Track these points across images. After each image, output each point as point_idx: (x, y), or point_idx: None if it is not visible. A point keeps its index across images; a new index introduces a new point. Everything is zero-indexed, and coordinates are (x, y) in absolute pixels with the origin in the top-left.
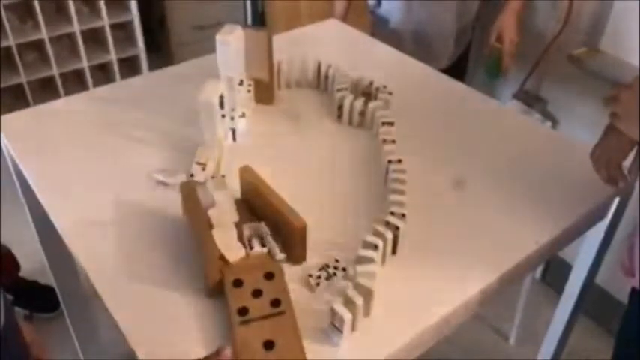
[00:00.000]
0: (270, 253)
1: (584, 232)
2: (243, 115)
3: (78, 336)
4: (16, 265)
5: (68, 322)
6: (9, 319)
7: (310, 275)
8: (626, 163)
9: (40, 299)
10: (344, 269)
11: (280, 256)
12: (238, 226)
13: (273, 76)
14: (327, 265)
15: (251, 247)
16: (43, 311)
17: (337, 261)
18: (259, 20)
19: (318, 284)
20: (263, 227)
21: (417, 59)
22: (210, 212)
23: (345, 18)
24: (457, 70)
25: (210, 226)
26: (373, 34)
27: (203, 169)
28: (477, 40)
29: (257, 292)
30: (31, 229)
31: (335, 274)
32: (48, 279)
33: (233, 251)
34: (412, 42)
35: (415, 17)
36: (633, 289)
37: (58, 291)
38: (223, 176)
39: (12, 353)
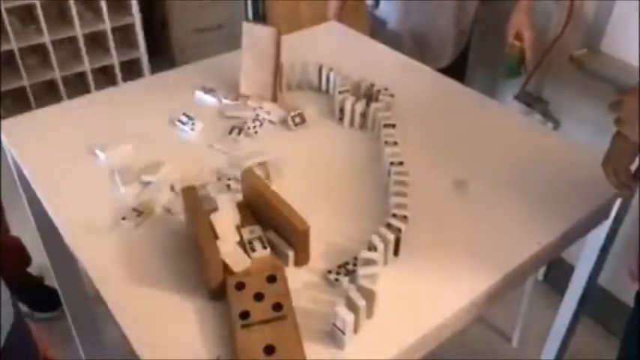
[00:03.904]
0: (276, 252)
1: (587, 233)
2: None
3: (80, 337)
4: (25, 259)
5: (70, 323)
6: (17, 317)
7: (330, 271)
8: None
9: (40, 298)
10: (353, 271)
11: (290, 254)
12: (240, 229)
13: (277, 75)
14: (347, 263)
15: (253, 250)
16: (42, 310)
17: (355, 259)
18: (261, 22)
19: (337, 280)
20: (266, 231)
21: (416, 59)
22: (212, 216)
23: (338, 18)
24: (456, 69)
25: (213, 230)
26: (372, 36)
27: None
28: (476, 40)
29: (259, 296)
30: (33, 231)
31: (354, 270)
32: (49, 280)
33: (238, 262)
34: (411, 42)
35: (413, 18)
36: (639, 292)
37: (60, 291)
38: (229, 179)
39: (22, 349)
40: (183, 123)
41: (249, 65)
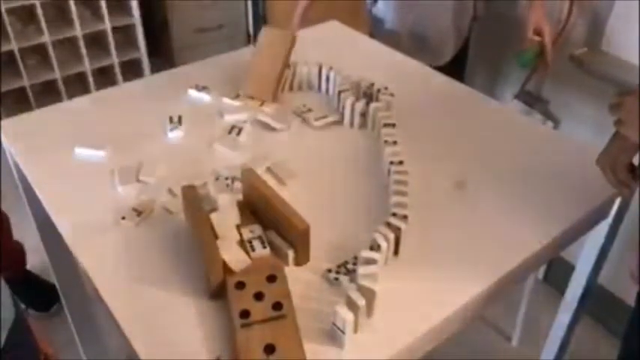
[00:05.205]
0: (276, 252)
1: (587, 232)
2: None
3: (80, 337)
4: (23, 262)
5: (70, 322)
6: (18, 316)
7: (330, 271)
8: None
9: (39, 294)
10: (353, 270)
11: (290, 253)
12: (240, 228)
13: (282, 77)
14: (347, 262)
15: (253, 249)
16: (37, 309)
17: (355, 258)
18: (260, 22)
19: (337, 279)
20: (267, 230)
21: (415, 58)
22: (213, 215)
23: (304, 19)
24: (455, 67)
25: (213, 229)
26: (371, 35)
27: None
28: (475, 38)
29: (259, 295)
30: (33, 230)
31: (354, 270)
32: (48, 275)
33: (238, 262)
34: (409, 41)
35: (411, 16)
36: None
37: (60, 291)
38: (227, 178)
39: (23, 348)
40: (171, 122)
41: (256, 66)
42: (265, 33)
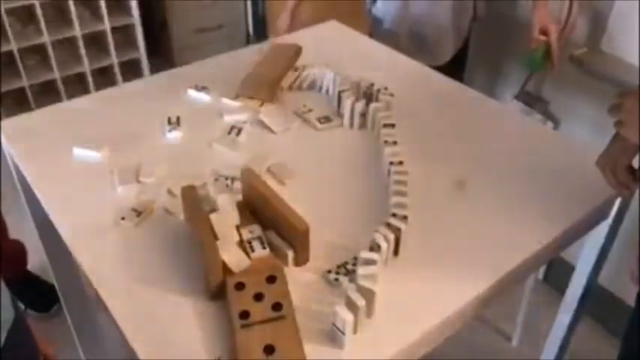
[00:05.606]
0: (276, 252)
1: (587, 232)
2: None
3: (79, 337)
4: (24, 262)
5: (70, 323)
6: (18, 316)
7: (329, 271)
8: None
9: (39, 294)
10: (353, 270)
11: (290, 254)
12: (240, 229)
13: (281, 78)
14: (347, 263)
15: (252, 250)
16: (36, 310)
17: (355, 258)
18: (260, 23)
19: (337, 279)
20: (266, 231)
21: (414, 57)
22: (212, 216)
23: (292, 19)
24: (455, 67)
25: (212, 230)
26: (371, 35)
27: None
28: (475, 39)
29: (259, 296)
30: (32, 230)
31: (354, 270)
32: (47, 276)
33: (238, 263)
34: (409, 40)
35: (410, 16)
36: None
37: (59, 291)
38: (227, 179)
39: (23, 348)
40: (169, 123)
41: (258, 68)
42: (271, 45)
